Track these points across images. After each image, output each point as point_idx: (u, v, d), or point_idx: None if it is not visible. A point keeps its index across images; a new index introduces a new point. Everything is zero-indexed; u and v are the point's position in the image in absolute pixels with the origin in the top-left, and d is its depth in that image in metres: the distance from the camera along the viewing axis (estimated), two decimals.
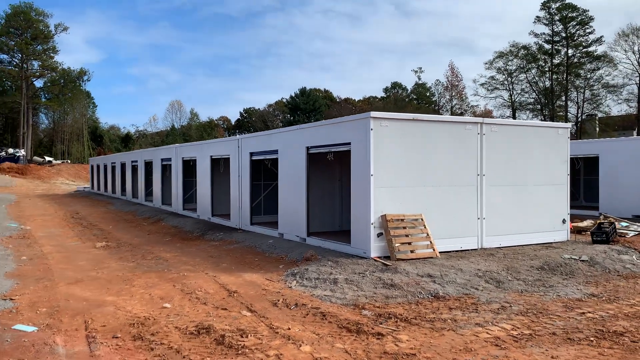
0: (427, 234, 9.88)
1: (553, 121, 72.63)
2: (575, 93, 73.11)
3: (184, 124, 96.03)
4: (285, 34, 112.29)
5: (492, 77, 76.65)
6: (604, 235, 11.15)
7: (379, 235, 9.65)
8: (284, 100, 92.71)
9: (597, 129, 69.48)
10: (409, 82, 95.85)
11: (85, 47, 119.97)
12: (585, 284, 8.29)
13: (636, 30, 65.53)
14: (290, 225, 12.27)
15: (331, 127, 10.93)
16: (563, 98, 73.48)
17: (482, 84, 77.03)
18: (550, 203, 11.58)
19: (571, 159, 20.54)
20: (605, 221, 13.34)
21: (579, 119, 72.56)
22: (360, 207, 9.86)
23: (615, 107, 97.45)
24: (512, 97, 77.69)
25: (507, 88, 77.69)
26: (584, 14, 70.36)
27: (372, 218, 9.59)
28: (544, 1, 71.70)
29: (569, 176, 11.90)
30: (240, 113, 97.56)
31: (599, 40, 69.33)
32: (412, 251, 9.66)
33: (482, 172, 10.71)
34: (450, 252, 10.31)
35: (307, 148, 11.55)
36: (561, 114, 73.89)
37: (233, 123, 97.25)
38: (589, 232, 12.18)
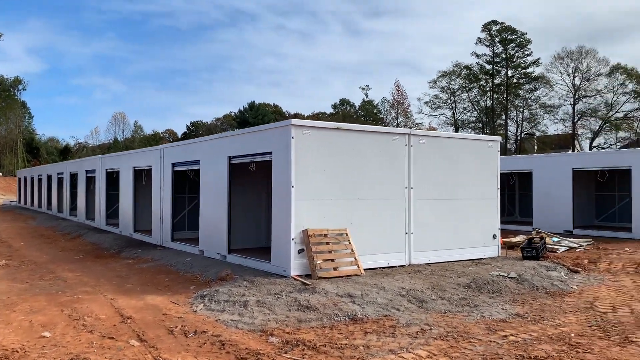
0: (352, 250, 9.28)
1: None
2: (515, 112, 75.65)
3: (128, 137, 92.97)
4: (236, 49, 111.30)
5: (436, 96, 78.30)
6: (534, 251, 10.90)
7: (300, 251, 8.96)
8: (233, 114, 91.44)
9: (535, 147, 71.94)
10: (357, 100, 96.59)
11: (25, 56, 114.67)
12: (511, 303, 7.86)
13: (570, 53, 68.68)
14: (210, 242, 11.40)
15: (253, 136, 10.22)
16: (503, 117, 75.86)
17: (426, 102, 78.54)
18: (480, 218, 11.26)
19: (506, 174, 20.76)
20: (536, 237, 13.21)
21: (518, 138, 75.07)
22: (280, 221, 9.16)
23: (552, 127, 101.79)
24: (455, 115, 79.53)
25: (450, 106, 79.51)
26: (522, 37, 73.20)
27: (293, 233, 8.90)
28: (485, 23, 74.17)
29: (499, 190, 11.65)
30: (187, 126, 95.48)
31: (536, 62, 72.17)
32: (335, 268, 9.01)
33: (410, 185, 10.25)
34: (376, 268, 9.74)
35: (229, 158, 10.78)
36: (501, 132, 76.16)
37: (179, 136, 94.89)
38: (520, 248, 11.94)
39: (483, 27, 74.61)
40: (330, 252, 9.10)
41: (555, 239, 14.16)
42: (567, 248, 13.25)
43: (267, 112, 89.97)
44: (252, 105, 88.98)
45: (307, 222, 9.05)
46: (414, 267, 10.09)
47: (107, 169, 18.41)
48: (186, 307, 7.74)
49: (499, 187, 11.67)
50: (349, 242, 9.31)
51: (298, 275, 8.87)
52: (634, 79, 64.21)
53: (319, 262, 8.87)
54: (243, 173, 11.45)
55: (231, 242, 10.96)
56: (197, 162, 12.03)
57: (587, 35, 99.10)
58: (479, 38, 74.43)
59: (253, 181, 12.11)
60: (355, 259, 9.21)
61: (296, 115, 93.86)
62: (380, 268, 9.82)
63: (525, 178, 20.02)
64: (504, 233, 16.64)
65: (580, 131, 70.27)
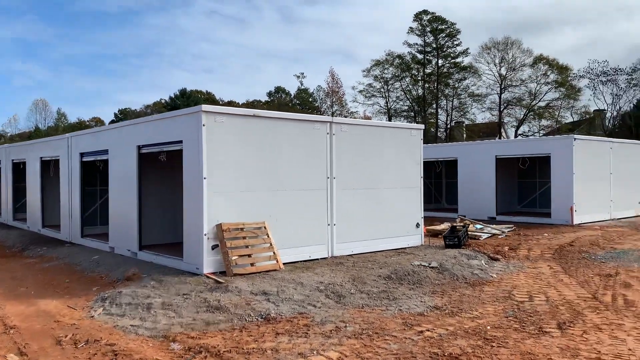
0: (271, 244, 8.81)
1: (425, 128, 76.75)
2: (445, 101, 77.60)
3: (51, 125, 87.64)
4: (168, 34, 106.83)
5: (370, 85, 78.82)
6: (456, 239, 10.88)
7: (214, 247, 8.39)
8: (163, 101, 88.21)
9: (464, 135, 74.24)
10: (293, 87, 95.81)
11: None
12: (431, 295, 7.69)
13: (497, 44, 71.03)
14: (121, 238, 10.59)
15: (163, 123, 9.50)
16: (434, 106, 77.67)
17: (360, 91, 78.97)
18: (404, 207, 11.11)
19: (432, 162, 20.98)
20: (459, 224, 13.29)
21: (448, 126, 77.18)
22: (192, 215, 8.54)
23: (480, 115, 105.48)
24: (388, 104, 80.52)
25: (384, 95, 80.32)
26: (452, 27, 74.80)
27: (206, 228, 8.31)
28: (417, 13, 75.22)
29: (422, 179, 11.54)
30: (115, 114, 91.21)
31: (465, 52, 73.99)
32: (252, 264, 8.53)
33: (332, 174, 9.90)
34: (297, 262, 9.35)
35: (139, 147, 9.99)
36: (432, 120, 77.99)
37: (107, 124, 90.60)
38: (442, 236, 11.92)
39: (414, 17, 75.58)
40: (247, 247, 8.60)
41: (479, 226, 14.35)
42: (489, 235, 13.43)
43: (199, 99, 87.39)
44: (183, 92, 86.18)
45: (222, 216, 8.48)
46: (337, 259, 9.78)
47: (13, 160, 16.92)
48: (84, 312, 7.02)
49: (422, 175, 11.56)
50: (268, 236, 8.84)
51: (212, 273, 8.31)
52: (555, 70, 67.36)
53: (234, 258, 8.35)
54: (159, 163, 10.68)
55: (144, 237, 10.23)
56: (106, 151, 11.12)
57: (513, 27, 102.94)
58: (410, 27, 75.34)
59: (170, 172, 11.35)
60: (274, 253, 8.76)
61: (230, 103, 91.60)
62: (301, 262, 9.43)
63: (452, 165, 20.28)
64: (431, 220, 16.76)
65: (506, 119, 73.07)
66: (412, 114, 78.99)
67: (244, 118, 8.81)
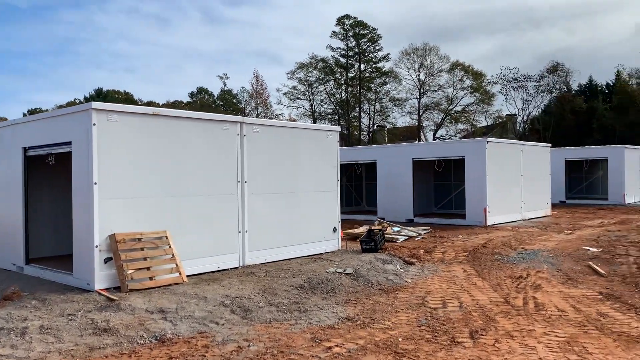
0: (173, 255, 8.09)
1: (349, 131, 77.70)
2: (368, 105, 78.97)
3: None
4: (84, 32, 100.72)
5: (294, 87, 78.71)
6: (372, 243, 10.64)
7: (107, 260, 7.55)
8: (77, 101, 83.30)
9: (386, 138, 75.86)
10: (216, 89, 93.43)
11: None
12: (344, 304, 7.31)
13: (416, 50, 73.28)
14: (5, 251, 9.42)
15: (51, 122, 8.50)
16: (357, 109, 78.81)
17: (285, 94, 78.66)
18: (320, 211, 10.73)
19: (352, 164, 20.91)
20: (376, 228, 13.14)
21: (371, 129, 78.59)
22: (82, 225, 7.65)
23: (400, 119, 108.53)
24: (313, 107, 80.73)
25: (308, 98, 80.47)
26: (374, 32, 76.29)
27: (97, 239, 7.46)
28: (339, 17, 75.99)
29: (339, 182, 11.21)
30: (24, 114, 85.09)
31: (386, 57, 75.77)
32: (151, 278, 7.76)
33: (244, 178, 9.32)
34: (204, 274, 8.68)
35: (25, 149, 8.91)
36: (355, 124, 79.17)
37: None
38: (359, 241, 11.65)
39: (337, 21, 76.38)
40: (145, 259, 7.82)
41: (396, 229, 14.28)
42: (406, 237, 13.36)
43: (116, 99, 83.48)
44: (99, 91, 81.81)
45: (116, 225, 7.66)
46: (249, 268, 9.20)
47: None
48: None
49: (340, 178, 11.24)
50: (170, 246, 8.11)
51: (105, 289, 7.47)
52: (470, 76, 70.41)
53: (130, 271, 7.55)
54: (51, 167, 9.60)
55: (33, 249, 9.16)
56: None
57: (432, 34, 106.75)
58: (333, 31, 76.02)
59: (62, 177, 10.27)
60: (176, 265, 8.04)
61: (150, 104, 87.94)
62: (209, 273, 8.77)
63: (372, 168, 20.24)
64: (351, 223, 16.58)
65: (425, 123, 75.52)
66: (336, 117, 79.71)
67: (142, 117, 8.03)
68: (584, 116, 57.73)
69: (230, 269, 9.14)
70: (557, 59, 71.54)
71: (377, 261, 9.54)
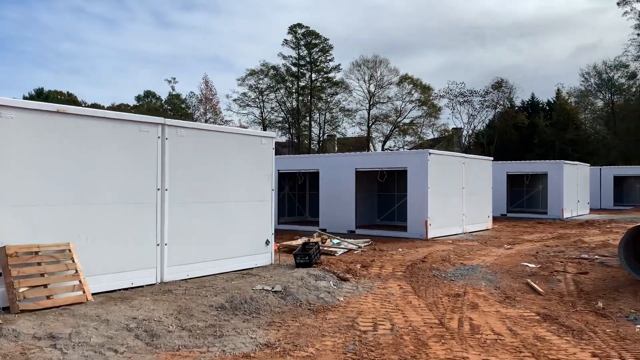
0: (77, 271, 7.18)
1: (299, 140, 77.28)
2: (318, 114, 78.93)
3: None
4: (27, 30, 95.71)
5: (245, 94, 77.80)
6: (307, 257, 10.02)
7: None
8: None
9: (336, 148, 75.90)
10: (165, 93, 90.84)
11: None
12: (266, 327, 6.63)
13: (366, 62, 73.95)
14: None
15: None
16: (308, 118, 78.58)
17: (234, 100, 77.58)
18: (252, 222, 10.03)
19: (294, 173, 20.31)
20: (312, 241, 12.55)
21: (321, 139, 78.50)
22: None
23: (350, 129, 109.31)
24: (263, 115, 79.97)
25: (259, 105, 79.72)
26: (325, 42, 76.55)
27: None
28: (291, 25, 75.86)
29: (274, 192, 10.55)
30: None
31: (337, 68, 76.12)
32: (49, 297, 6.83)
33: (164, 186, 8.51)
34: (115, 291, 7.79)
35: None
36: (306, 133, 78.90)
37: None
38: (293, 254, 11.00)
39: (289, 29, 76.28)
40: (43, 275, 6.88)
41: (336, 241, 13.74)
42: (345, 250, 12.83)
43: (58, 100, 79.75)
44: (40, 92, 77.98)
45: (9, 236, 6.71)
46: (167, 285, 8.37)
47: None
48: None
49: (276, 188, 10.58)
50: (73, 261, 7.19)
51: None
52: (418, 89, 71.59)
53: (23, 289, 6.60)
54: None
55: None
56: None
57: (384, 48, 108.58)
58: (285, 40, 75.84)
59: None
60: (80, 281, 7.13)
61: (94, 106, 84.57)
62: (120, 290, 7.89)
63: (315, 177, 19.68)
64: (292, 234, 15.92)
65: (374, 134, 76.20)
66: (287, 125, 79.27)
67: (44, 114, 7.11)
68: (526, 131, 59.65)
69: (146, 285, 8.29)
70: (502, 76, 73.81)
71: (309, 277, 8.91)
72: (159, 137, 8.43)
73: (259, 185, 10.17)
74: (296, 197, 21.06)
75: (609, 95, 64.50)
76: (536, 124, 59.12)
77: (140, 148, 8.18)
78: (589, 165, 28.92)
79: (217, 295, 7.73)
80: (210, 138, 9.28)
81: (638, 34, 57.49)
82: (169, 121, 8.64)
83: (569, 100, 66.35)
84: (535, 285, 8.95)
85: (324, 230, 17.34)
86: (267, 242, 10.34)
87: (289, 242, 13.51)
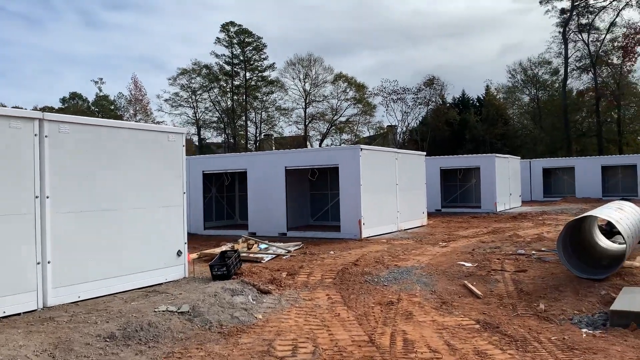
0: None
1: (235, 140, 75.42)
2: (254, 114, 77.45)
3: None
4: None
5: (177, 94, 75.12)
6: (224, 268, 8.88)
7: None
8: None
9: (273, 147, 74.63)
10: (92, 94, 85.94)
11: None
12: (163, 359, 5.48)
13: (301, 60, 73.15)
14: None
15: None
16: (243, 118, 76.90)
17: (166, 100, 74.72)
18: (159, 231, 8.78)
19: (220, 173, 19.05)
20: (239, 246, 11.45)
21: (258, 138, 77.05)
22: None
23: (287, 128, 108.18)
24: (197, 115, 77.56)
25: (192, 105, 77.23)
26: (259, 41, 75.15)
27: None
28: (223, 24, 73.94)
29: (185, 195, 9.33)
30: None
31: (272, 67, 74.95)
32: None
33: (44, 193, 7.12)
34: None
35: None
36: (242, 133, 77.15)
37: None
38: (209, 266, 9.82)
39: (221, 28, 74.29)
40: None
41: (263, 246, 12.66)
42: (273, 256, 11.78)
43: None
44: None
45: None
46: (51, 311, 7.00)
47: None
48: None
49: (185, 191, 9.35)
50: None
51: None
52: (353, 87, 71.58)
53: None
54: None
55: None
56: None
57: (319, 48, 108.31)
58: (217, 38, 73.84)
59: None
60: None
61: (16, 108, 78.55)
62: None
63: (245, 177, 18.49)
64: (218, 240, 14.68)
65: (311, 133, 75.55)
66: (222, 125, 77.19)
67: None
68: (457, 127, 60.84)
69: (24, 313, 6.89)
70: (434, 74, 75.02)
71: (224, 292, 7.78)
72: (35, 135, 7.04)
73: (167, 189, 8.93)
74: (224, 200, 19.76)
75: (535, 91, 67.02)
76: (467, 120, 60.41)
77: (10, 148, 6.77)
78: (519, 158, 29.34)
79: (110, 322, 6.47)
80: (104, 135, 7.95)
81: (559, 32, 60.00)
82: (48, 115, 7.24)
83: (498, 97, 68.39)
84: (473, 288, 8.26)
85: (254, 234, 16.23)
86: (179, 253, 9.12)
87: (212, 250, 12.30)
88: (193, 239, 15.76)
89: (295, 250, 12.72)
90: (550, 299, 7.52)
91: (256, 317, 7.01)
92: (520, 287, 8.28)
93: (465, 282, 8.68)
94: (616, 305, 6.28)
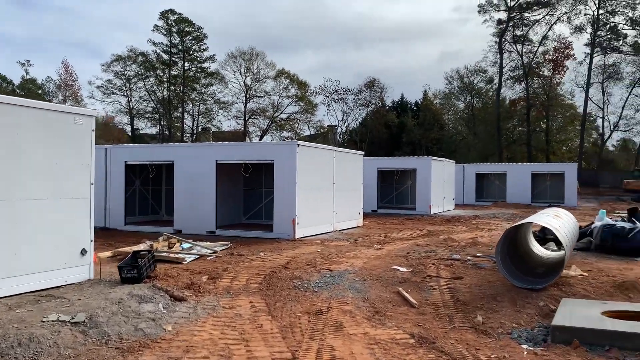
0: None
1: (170, 132, 72.72)
2: (192, 106, 75.11)
3: None
4: None
5: (110, 81, 71.55)
6: (135, 270, 7.88)
7: None
8: None
9: (211, 141, 72.57)
10: (18, 77, 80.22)
11: None
12: None
13: (243, 54, 71.56)
14: None
15: None
16: (180, 109, 74.38)
17: (98, 87, 70.99)
18: (61, 226, 7.65)
19: (146, 165, 17.76)
20: (156, 245, 10.43)
21: (195, 131, 74.75)
22: None
23: (226, 123, 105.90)
24: (131, 104, 74.29)
25: (125, 94, 73.88)
26: (199, 31, 72.99)
27: None
28: (163, 11, 71.22)
29: (93, 185, 8.21)
30: None
31: (212, 58, 72.98)
32: None
33: None
34: None
35: None
36: (178, 125, 74.59)
37: None
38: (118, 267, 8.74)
39: (160, 15, 71.49)
40: None
41: (186, 245, 11.66)
42: (196, 256, 10.82)
43: None
44: None
45: None
46: None
47: None
48: None
49: (93, 182, 8.24)
50: None
51: None
52: (295, 85, 70.83)
53: None
54: None
55: None
56: None
57: (263, 44, 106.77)
58: (155, 25, 71.02)
59: None
60: None
61: None
62: None
63: (172, 170, 17.30)
64: (139, 237, 13.48)
65: (251, 129, 74.16)
66: (157, 116, 74.29)
67: None
68: (395, 130, 61.54)
69: None
70: (375, 77, 75.42)
71: (131, 299, 6.80)
72: None
73: (71, 178, 7.80)
74: (150, 193, 18.45)
75: (470, 98, 68.91)
76: (405, 123, 61.21)
77: None
78: (454, 162, 29.64)
79: None
80: None
81: (495, 42, 61.93)
82: None
83: (435, 102, 69.83)
84: (407, 296, 7.72)
85: (179, 231, 15.14)
86: (84, 252, 8.01)
87: (128, 248, 11.17)
88: (111, 236, 14.50)
89: (222, 250, 11.81)
90: (487, 310, 7.09)
91: (164, 329, 6.11)
92: (456, 295, 7.83)
93: (400, 289, 8.14)
94: (557, 320, 5.89)
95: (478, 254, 11.34)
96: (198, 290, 7.80)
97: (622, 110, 60.21)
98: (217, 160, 14.91)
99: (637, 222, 11.40)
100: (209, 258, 10.87)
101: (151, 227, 16.14)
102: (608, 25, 58.19)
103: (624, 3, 57.12)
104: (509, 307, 7.13)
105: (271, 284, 8.42)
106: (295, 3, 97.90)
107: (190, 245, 11.71)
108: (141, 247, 11.25)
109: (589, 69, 58.39)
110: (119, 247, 11.50)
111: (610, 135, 63.44)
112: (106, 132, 66.08)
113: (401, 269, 9.71)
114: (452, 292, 8.00)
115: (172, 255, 10.65)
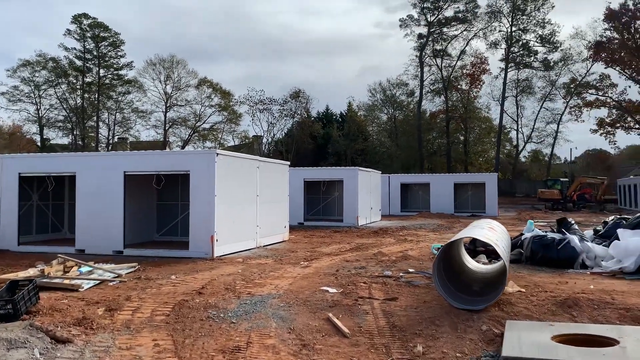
0: None
1: (84, 142, 68.25)
2: (107, 114, 71.20)
3: None
4: None
5: (16, 87, 66.19)
6: (10, 305, 6.44)
7: None
8: None
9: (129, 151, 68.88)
10: None
11: None
12: None
13: (162, 61, 68.77)
14: None
15: None
16: (95, 118, 70.21)
17: (2, 94, 65.44)
18: None
19: (44, 177, 15.86)
20: (46, 271, 8.91)
21: (111, 141, 70.82)
22: None
23: (145, 132, 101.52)
24: (40, 112, 69.14)
25: (34, 102, 68.66)
26: (116, 37, 69.55)
27: None
28: (76, 15, 67.12)
29: None
30: None
31: (129, 65, 69.71)
32: None
33: None
34: None
35: None
36: (92, 134, 70.27)
37: None
38: None
39: (73, 19, 67.29)
40: None
41: (86, 269, 10.16)
42: (96, 282, 9.38)
43: None
44: None
45: None
46: None
47: None
48: None
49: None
50: None
51: None
52: (218, 94, 68.91)
53: None
54: None
55: None
56: None
57: (184, 53, 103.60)
58: (68, 29, 66.77)
59: None
60: None
61: None
62: None
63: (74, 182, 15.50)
64: (35, 259, 11.72)
65: (171, 139, 71.21)
66: (70, 125, 69.62)
67: None
68: (320, 141, 61.32)
69: None
70: (299, 88, 74.98)
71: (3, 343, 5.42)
72: None
73: None
74: (50, 209, 16.47)
75: (392, 110, 70.20)
76: (330, 134, 61.16)
77: None
78: (380, 172, 29.45)
79: None
80: None
81: (416, 56, 63.57)
82: None
83: (359, 113, 70.47)
84: (339, 324, 6.83)
85: (82, 251, 13.46)
86: None
87: (14, 275, 9.53)
88: (0, 257, 12.60)
89: (127, 273, 10.40)
90: (427, 337, 6.33)
91: None
92: (392, 320, 7.04)
93: (330, 314, 7.24)
94: (507, 350, 5.22)
95: (410, 270, 10.71)
96: (90, 327, 6.48)
97: (535, 123, 63.69)
98: (125, 172, 13.42)
99: (566, 232, 11.27)
100: (111, 284, 9.47)
101: (50, 246, 14.30)
102: (520, 42, 61.43)
103: (534, 22, 60.62)
104: (450, 333, 6.42)
105: (181, 315, 7.24)
106: (218, 12, 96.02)
107: (91, 268, 10.22)
108: (30, 272, 9.64)
109: (504, 83, 61.31)
110: (3, 273, 9.81)
111: (524, 147, 66.85)
112: (12, 142, 61.07)
113: (331, 289, 8.83)
114: (387, 317, 7.21)
115: (66, 281, 9.15)
